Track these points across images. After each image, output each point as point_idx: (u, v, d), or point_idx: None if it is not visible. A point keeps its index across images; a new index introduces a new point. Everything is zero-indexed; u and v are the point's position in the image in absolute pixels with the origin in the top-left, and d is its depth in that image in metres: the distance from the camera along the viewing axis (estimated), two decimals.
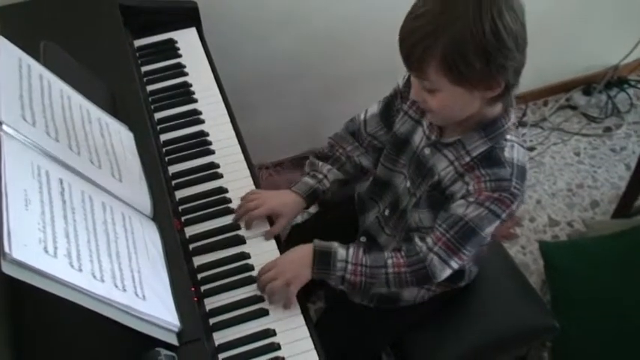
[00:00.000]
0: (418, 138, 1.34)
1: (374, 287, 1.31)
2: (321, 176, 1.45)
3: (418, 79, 1.15)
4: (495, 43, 1.05)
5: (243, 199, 1.36)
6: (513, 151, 1.21)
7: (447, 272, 1.27)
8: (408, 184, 1.36)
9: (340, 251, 1.28)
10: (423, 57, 1.08)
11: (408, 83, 1.36)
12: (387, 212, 1.44)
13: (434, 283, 1.33)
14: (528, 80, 2.85)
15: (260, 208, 1.33)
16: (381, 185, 1.46)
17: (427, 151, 1.30)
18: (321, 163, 1.47)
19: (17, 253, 0.78)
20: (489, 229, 1.23)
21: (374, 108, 1.46)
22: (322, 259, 1.27)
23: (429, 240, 1.26)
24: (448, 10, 1.05)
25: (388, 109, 1.43)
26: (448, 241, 1.24)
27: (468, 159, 1.23)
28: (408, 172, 1.36)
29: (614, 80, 2.77)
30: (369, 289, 1.31)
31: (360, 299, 1.45)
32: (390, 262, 1.28)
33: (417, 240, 1.29)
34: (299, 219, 2.11)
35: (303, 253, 1.28)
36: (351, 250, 1.29)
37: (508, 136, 1.22)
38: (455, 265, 1.26)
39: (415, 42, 1.08)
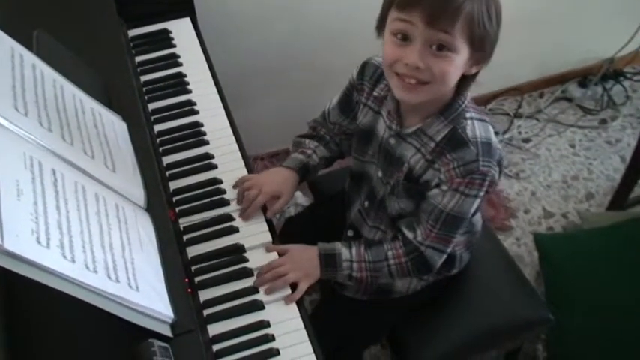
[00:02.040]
0: (382, 129, 1.34)
1: (379, 279, 1.35)
2: (309, 152, 1.46)
3: (436, 35, 1.09)
4: (499, 17, 1.13)
5: (236, 186, 1.36)
6: (475, 128, 1.22)
7: (443, 257, 1.32)
8: (380, 174, 1.37)
9: (344, 251, 1.32)
10: (457, 11, 1.07)
11: (361, 75, 1.38)
12: (366, 204, 1.45)
13: (432, 272, 1.35)
14: (524, 72, 2.85)
15: (260, 196, 1.33)
16: (358, 178, 1.48)
17: (392, 141, 1.31)
18: (307, 141, 1.49)
19: (9, 244, 0.77)
20: (472, 209, 1.26)
21: (334, 100, 1.47)
22: (329, 261, 1.31)
23: (418, 233, 1.29)
24: None
25: (346, 101, 1.44)
26: (437, 234, 1.28)
27: (432, 145, 1.24)
28: (379, 162, 1.37)
29: (609, 72, 2.77)
30: (375, 282, 1.35)
31: (353, 292, 1.46)
32: (390, 253, 1.32)
33: (405, 230, 1.32)
34: (292, 212, 2.12)
35: (312, 254, 1.31)
36: (353, 249, 1.32)
37: (467, 114, 1.23)
38: (449, 249, 1.31)
39: None
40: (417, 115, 1.26)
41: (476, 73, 1.20)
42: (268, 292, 1.21)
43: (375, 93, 1.35)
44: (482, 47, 1.13)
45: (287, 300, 1.21)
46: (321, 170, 1.51)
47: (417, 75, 1.13)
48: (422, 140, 1.25)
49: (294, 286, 1.24)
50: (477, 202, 1.25)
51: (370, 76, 1.36)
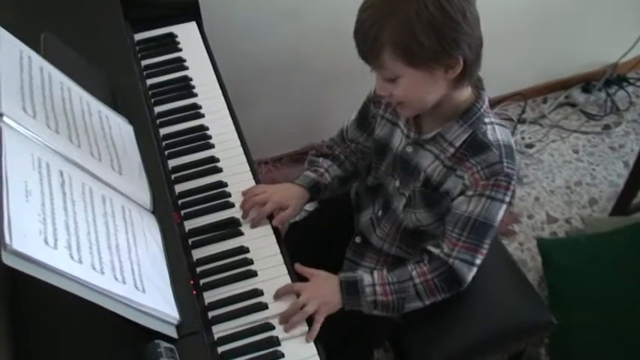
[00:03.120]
0: (397, 140, 1.35)
1: (406, 302, 1.29)
2: (322, 170, 1.46)
3: (378, 70, 1.16)
4: (441, 18, 1.07)
5: (245, 193, 1.36)
6: (496, 132, 1.23)
7: (474, 271, 1.28)
8: (397, 183, 1.37)
9: (366, 277, 1.29)
10: (375, 45, 1.10)
11: None
12: (379, 213, 1.45)
13: (463, 287, 1.30)
14: (528, 77, 2.85)
15: (268, 204, 1.33)
16: (374, 189, 1.48)
17: (409, 149, 1.31)
18: (321, 159, 1.48)
19: (17, 244, 0.78)
20: (499, 217, 1.24)
21: (352, 116, 1.49)
22: (350, 290, 1.27)
23: (444, 246, 1.26)
24: None
25: (364, 117, 1.45)
26: (465, 243, 1.25)
27: (452, 150, 1.24)
28: (395, 172, 1.37)
29: (613, 78, 2.78)
30: (402, 305, 1.30)
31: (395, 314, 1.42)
32: (414, 273, 1.28)
33: (431, 248, 1.29)
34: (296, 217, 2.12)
35: (332, 282, 1.28)
36: (375, 273, 1.30)
37: (486, 119, 1.24)
38: (479, 261, 1.27)
39: (365, 32, 1.10)
40: (435, 121, 1.26)
41: (463, 72, 1.15)
42: (287, 330, 1.17)
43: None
44: (426, 59, 1.10)
45: (308, 337, 1.17)
46: (337, 190, 1.50)
47: (389, 100, 1.24)
48: (441, 145, 1.25)
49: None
50: (504, 207, 1.23)
51: None
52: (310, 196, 1.43)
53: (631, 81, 2.82)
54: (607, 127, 2.70)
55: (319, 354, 1.15)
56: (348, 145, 1.50)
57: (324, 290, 1.25)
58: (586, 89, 2.79)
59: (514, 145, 1.23)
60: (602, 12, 2.50)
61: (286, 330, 1.17)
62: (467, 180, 1.21)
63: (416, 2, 1.06)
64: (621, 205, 2.26)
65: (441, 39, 1.08)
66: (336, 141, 1.53)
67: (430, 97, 1.18)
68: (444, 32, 1.08)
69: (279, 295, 1.21)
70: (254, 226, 1.32)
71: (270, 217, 1.35)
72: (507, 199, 1.22)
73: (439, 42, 1.08)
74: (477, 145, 1.22)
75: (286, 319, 1.18)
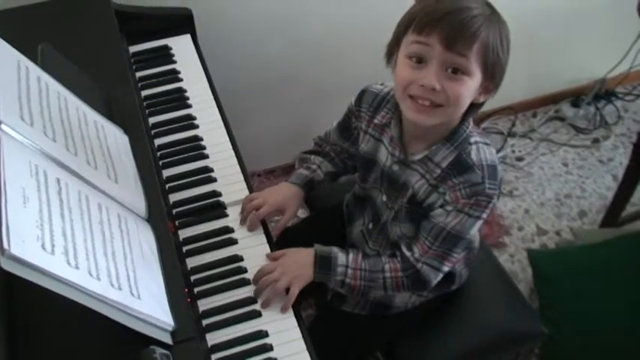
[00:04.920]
0: (383, 156, 1.35)
1: (372, 291, 1.34)
2: (314, 167, 1.47)
3: (455, 56, 1.11)
4: (508, 46, 1.17)
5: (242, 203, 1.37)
6: (480, 152, 1.24)
7: (440, 276, 1.32)
8: (384, 198, 1.38)
9: (340, 256, 1.31)
10: (478, 33, 1.10)
11: (359, 103, 1.39)
12: (370, 225, 1.46)
13: (427, 289, 1.35)
14: (518, 92, 2.88)
15: (265, 207, 1.35)
16: (362, 200, 1.50)
17: (396, 167, 1.32)
18: (312, 156, 1.50)
19: (16, 250, 0.79)
20: (473, 231, 1.26)
21: (334, 123, 1.50)
22: (323, 264, 1.30)
23: (415, 250, 1.30)
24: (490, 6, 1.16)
25: (345, 126, 1.46)
26: (435, 251, 1.28)
27: (438, 171, 1.25)
28: (382, 187, 1.38)
29: (602, 92, 2.81)
30: (368, 292, 1.34)
31: (352, 307, 1.46)
32: (387, 266, 1.31)
33: (404, 249, 1.32)
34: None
35: (306, 254, 1.31)
36: (350, 255, 1.32)
37: (472, 139, 1.25)
38: (446, 268, 1.30)
39: (474, 16, 1.11)
40: (421, 143, 1.27)
41: (482, 103, 1.22)
42: (265, 305, 1.22)
43: (375, 121, 1.36)
44: (493, 74, 1.16)
45: (282, 309, 1.21)
46: (327, 185, 1.52)
47: (431, 97, 1.14)
48: (427, 167, 1.26)
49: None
50: (479, 223, 1.25)
51: (369, 103, 1.37)
52: (305, 194, 1.45)
53: (619, 95, 2.85)
54: (596, 140, 2.73)
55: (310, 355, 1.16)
56: (334, 147, 1.52)
57: (296, 264, 1.28)
58: (575, 104, 2.82)
59: (498, 164, 1.25)
60: (589, 28, 2.54)
61: (263, 306, 1.21)
62: (447, 196, 1.23)
63: (504, 23, 1.16)
64: (610, 218, 2.28)
65: (506, 64, 1.17)
66: (324, 139, 1.54)
67: (458, 113, 1.20)
68: (507, 60, 1.17)
69: (256, 283, 1.23)
70: (251, 229, 1.33)
71: (264, 225, 1.36)
72: (484, 215, 1.25)
73: (506, 65, 1.17)
74: (460, 166, 1.23)
75: (257, 294, 1.22)
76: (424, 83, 1.13)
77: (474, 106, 1.22)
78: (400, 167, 1.31)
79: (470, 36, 1.10)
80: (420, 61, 1.14)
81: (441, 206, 1.25)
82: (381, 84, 1.38)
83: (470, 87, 1.14)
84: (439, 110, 1.16)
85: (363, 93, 1.39)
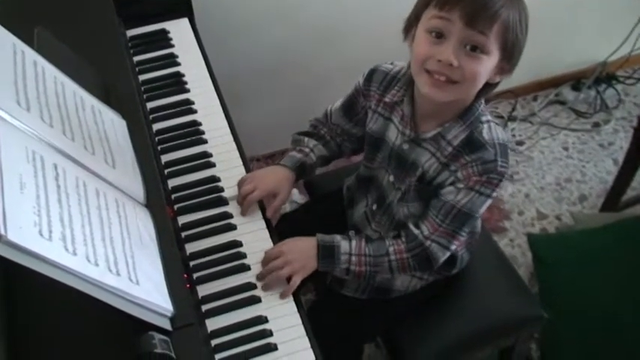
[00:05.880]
0: (393, 135, 1.35)
1: (378, 275, 1.35)
2: (307, 150, 1.47)
3: (475, 33, 1.12)
4: (527, 28, 1.18)
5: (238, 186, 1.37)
6: (492, 131, 1.25)
7: (447, 255, 1.33)
8: (392, 178, 1.38)
9: (343, 244, 1.31)
10: (499, 13, 1.11)
11: (368, 82, 1.38)
12: (374, 207, 1.46)
13: (434, 268, 1.35)
14: (518, 75, 2.86)
15: (256, 192, 1.34)
16: (366, 181, 1.49)
17: (406, 146, 1.32)
18: (306, 139, 1.49)
19: (13, 235, 0.78)
20: (482, 209, 1.27)
21: (338, 102, 1.48)
22: (326, 253, 1.30)
23: (424, 228, 1.30)
24: None
25: (350, 106, 1.45)
26: (445, 229, 1.28)
27: (450, 149, 1.25)
28: (390, 167, 1.38)
29: (602, 76, 2.79)
30: (374, 277, 1.36)
31: (352, 291, 1.46)
32: (391, 249, 1.32)
33: (411, 227, 1.32)
34: (287, 208, 2.13)
35: (309, 244, 1.31)
36: (353, 242, 1.32)
37: (483, 118, 1.26)
38: (453, 247, 1.31)
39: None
40: (433, 121, 1.27)
41: (497, 83, 1.23)
42: (265, 289, 1.22)
43: (385, 99, 1.35)
44: (511, 55, 1.17)
45: (282, 295, 1.22)
46: (318, 169, 1.52)
47: (448, 73, 1.15)
48: (439, 145, 1.26)
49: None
50: (488, 201, 1.26)
51: (379, 82, 1.37)
52: (296, 177, 1.44)
53: (620, 79, 2.84)
54: (596, 124, 2.72)
55: (312, 348, 1.15)
56: (334, 128, 1.51)
57: (300, 254, 1.28)
58: (576, 87, 2.81)
59: (509, 143, 1.26)
60: (591, 11, 2.53)
61: (263, 289, 1.22)
62: (459, 174, 1.24)
63: (525, 5, 1.17)
64: (611, 202, 2.28)
65: (523, 46, 1.18)
66: (321, 121, 1.53)
67: (474, 91, 1.21)
68: (525, 40, 1.18)
69: (262, 277, 1.24)
70: (243, 214, 1.33)
71: (262, 207, 1.36)
72: (494, 194, 1.26)
73: (522, 46, 1.18)
74: (473, 144, 1.23)
75: (260, 278, 1.23)
76: (442, 58, 1.13)
77: (488, 86, 1.22)
78: (410, 146, 1.31)
79: (492, 15, 1.10)
80: (439, 36, 1.14)
81: (452, 184, 1.25)
82: (391, 63, 1.37)
83: (487, 66, 1.15)
84: (454, 87, 1.16)
85: (373, 72, 1.39)
